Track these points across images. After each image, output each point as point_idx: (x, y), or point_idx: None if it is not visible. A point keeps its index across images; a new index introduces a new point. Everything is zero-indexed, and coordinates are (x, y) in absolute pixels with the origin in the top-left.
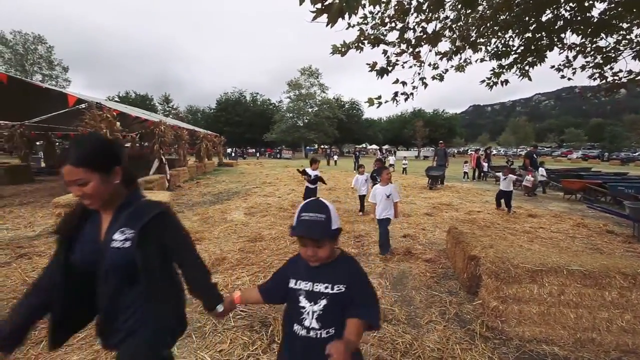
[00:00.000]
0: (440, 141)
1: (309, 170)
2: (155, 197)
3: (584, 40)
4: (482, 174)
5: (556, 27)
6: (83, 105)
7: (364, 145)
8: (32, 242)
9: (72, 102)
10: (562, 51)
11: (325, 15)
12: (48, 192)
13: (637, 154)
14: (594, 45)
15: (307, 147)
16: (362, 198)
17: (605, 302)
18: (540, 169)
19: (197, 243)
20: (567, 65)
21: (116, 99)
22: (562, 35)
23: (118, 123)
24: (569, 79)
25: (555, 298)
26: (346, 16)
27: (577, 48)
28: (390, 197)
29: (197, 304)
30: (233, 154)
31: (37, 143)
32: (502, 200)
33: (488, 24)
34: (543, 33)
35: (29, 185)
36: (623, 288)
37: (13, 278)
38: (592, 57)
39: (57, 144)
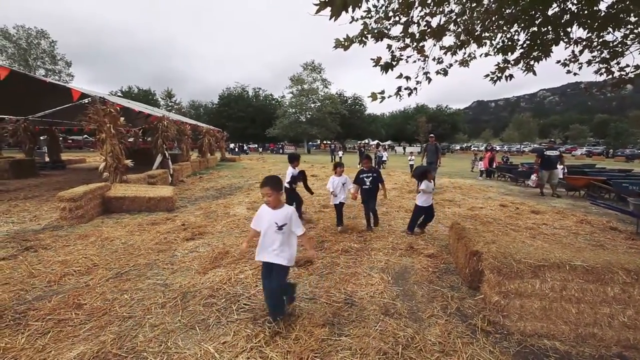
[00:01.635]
0: (431, 134)
1: (288, 170)
2: (159, 191)
3: (590, 34)
4: (492, 173)
5: (562, 21)
6: (87, 100)
7: (366, 140)
8: (37, 236)
9: (77, 97)
10: (568, 46)
11: (328, 9)
12: (52, 186)
13: None
14: (601, 40)
15: (310, 143)
16: (339, 208)
17: (608, 298)
18: (559, 167)
19: (200, 237)
20: (573, 60)
21: (119, 94)
22: (569, 29)
23: (122, 118)
24: (575, 74)
25: (557, 293)
26: (350, 9)
27: (584, 42)
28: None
29: (200, 296)
30: (236, 149)
31: (41, 138)
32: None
33: (493, 18)
34: (549, 27)
35: (34, 179)
36: (626, 284)
37: (20, 271)
38: (599, 52)
39: (60, 138)
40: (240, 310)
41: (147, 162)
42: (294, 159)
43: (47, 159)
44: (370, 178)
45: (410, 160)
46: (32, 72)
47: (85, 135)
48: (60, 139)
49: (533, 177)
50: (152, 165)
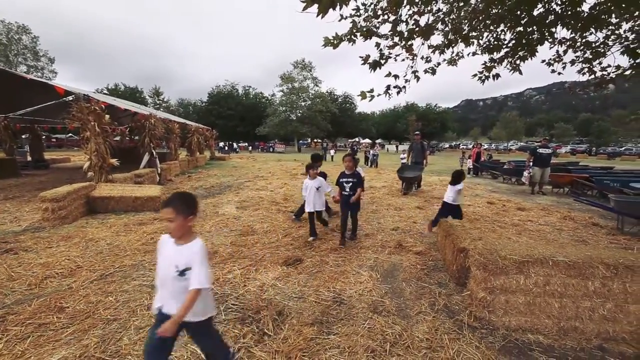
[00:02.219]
0: (417, 132)
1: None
2: (146, 191)
3: (574, 34)
4: (478, 169)
5: (547, 21)
6: (70, 98)
7: (357, 139)
8: (18, 237)
9: (62, 93)
10: (552, 46)
11: (315, 6)
12: (35, 186)
13: (623, 148)
14: (584, 40)
15: (300, 141)
16: (311, 217)
17: (589, 292)
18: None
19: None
20: (557, 59)
21: (105, 92)
22: (553, 29)
23: (107, 116)
24: (559, 73)
25: (541, 288)
26: (337, 7)
27: (568, 42)
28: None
29: None
30: (226, 148)
31: (23, 136)
32: None
33: (480, 17)
34: (534, 27)
35: (15, 179)
36: (605, 278)
37: None
38: (582, 52)
39: (43, 137)
40: (229, 310)
41: (135, 161)
42: (310, 166)
43: (29, 158)
44: (350, 184)
45: (402, 159)
46: (13, 69)
47: (70, 134)
48: (44, 137)
49: (525, 173)
50: (140, 165)
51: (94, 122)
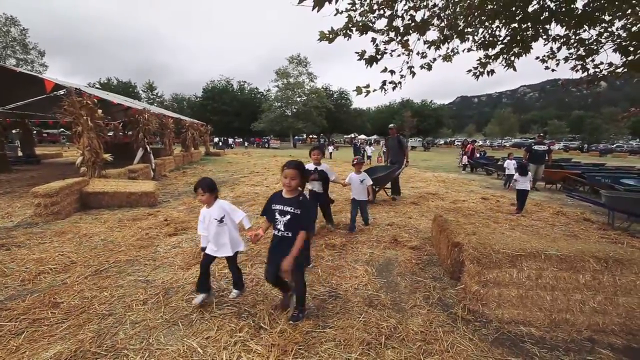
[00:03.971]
0: (391, 125)
1: (308, 166)
2: (140, 186)
3: (567, 32)
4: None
5: (542, 18)
6: (62, 92)
7: (353, 135)
8: (10, 233)
9: (50, 88)
10: (546, 42)
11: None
12: (26, 182)
13: (614, 145)
14: (577, 37)
15: (296, 137)
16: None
17: (579, 285)
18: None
19: (184, 233)
20: (551, 56)
21: (97, 86)
22: (547, 26)
23: (99, 110)
24: (553, 70)
25: (533, 281)
26: (333, 1)
27: (561, 40)
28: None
29: (183, 292)
30: (220, 144)
31: (14, 131)
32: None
33: (475, 13)
34: (529, 24)
35: (6, 175)
36: (596, 271)
37: None
38: (575, 49)
39: (34, 131)
40: (224, 305)
41: (128, 156)
42: (314, 150)
43: (20, 154)
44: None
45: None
46: (2, 62)
47: (62, 129)
48: (35, 132)
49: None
50: (133, 160)
51: (87, 117)
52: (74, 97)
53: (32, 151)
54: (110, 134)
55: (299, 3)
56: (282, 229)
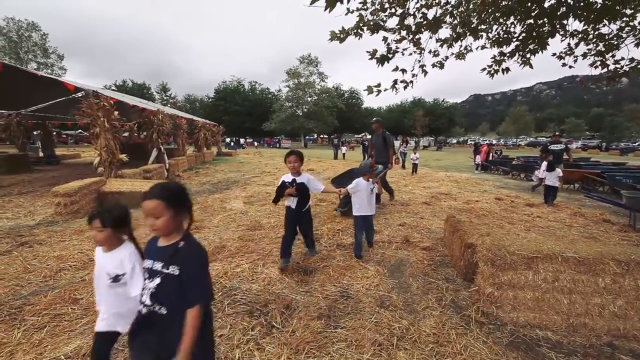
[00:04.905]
0: (375, 119)
1: (284, 177)
2: None
3: (586, 27)
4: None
5: (558, 13)
6: (80, 94)
7: (363, 134)
8: (32, 231)
9: (72, 90)
10: (564, 38)
11: (323, 0)
12: (47, 181)
13: (637, 144)
14: (597, 32)
15: (307, 137)
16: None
17: (599, 288)
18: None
19: (197, 232)
20: (568, 53)
21: (113, 88)
22: (565, 21)
23: (116, 112)
24: (571, 67)
25: (550, 284)
26: (345, 0)
27: (579, 35)
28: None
29: None
30: (232, 144)
31: (35, 132)
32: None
33: (489, 10)
34: (545, 19)
35: (28, 174)
36: (616, 274)
37: (15, 266)
38: (594, 45)
39: (54, 133)
40: (237, 304)
41: (143, 156)
42: (290, 156)
43: (40, 154)
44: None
45: (413, 159)
46: (24, 66)
47: (80, 130)
48: (54, 133)
49: (537, 172)
50: (148, 160)
51: (104, 118)
52: (91, 99)
53: (52, 152)
54: (126, 134)
55: (311, 4)
56: (149, 302)
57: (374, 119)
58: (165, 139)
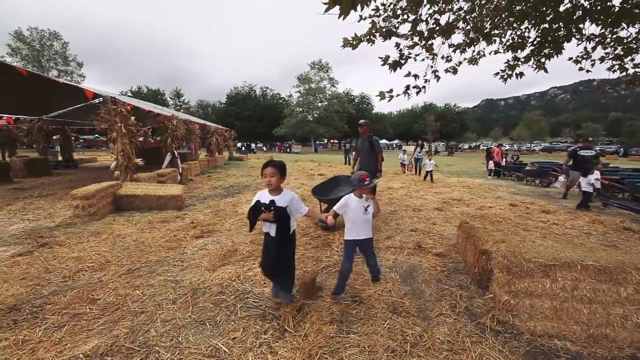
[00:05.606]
0: (362, 122)
1: (259, 196)
2: (168, 190)
3: (603, 30)
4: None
5: (574, 17)
6: (97, 100)
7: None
8: (52, 233)
9: (90, 97)
10: (580, 42)
11: (337, 7)
12: (65, 184)
13: None
14: (615, 36)
15: (317, 142)
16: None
17: (621, 298)
18: (595, 172)
19: (209, 235)
20: (585, 57)
21: (129, 94)
22: (581, 25)
23: (132, 117)
24: (587, 71)
25: (569, 293)
26: (358, 8)
27: (597, 39)
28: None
29: (210, 293)
30: (243, 148)
31: (54, 137)
32: None
33: (503, 15)
34: (560, 23)
35: (47, 178)
36: (639, 284)
37: (36, 266)
38: (612, 48)
39: (72, 137)
40: (249, 307)
41: (157, 161)
42: (267, 168)
43: (60, 158)
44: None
45: (428, 165)
46: (45, 73)
47: (96, 135)
48: (73, 138)
49: (561, 178)
50: (162, 164)
51: (121, 124)
52: (109, 105)
53: (71, 156)
54: (140, 139)
55: (325, 12)
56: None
57: (361, 121)
58: (179, 143)
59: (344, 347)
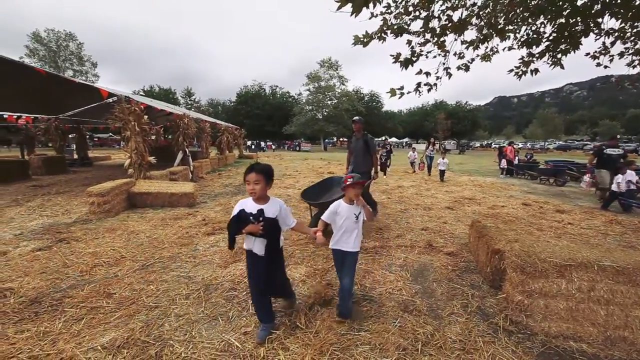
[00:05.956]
0: (356, 118)
1: (242, 205)
2: (180, 187)
3: (623, 24)
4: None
5: (593, 11)
6: (111, 100)
7: (384, 137)
8: (69, 228)
9: (106, 95)
10: (598, 37)
11: (349, 5)
12: (82, 182)
13: None
14: (635, 30)
15: (326, 140)
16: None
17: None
18: (628, 172)
19: (220, 232)
20: (603, 52)
21: (141, 93)
22: (599, 20)
23: (145, 116)
24: (606, 67)
25: (585, 294)
26: (370, 5)
27: (616, 33)
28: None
29: (222, 289)
30: (252, 147)
31: (70, 136)
32: None
33: (518, 10)
34: (578, 18)
35: (64, 175)
36: None
37: (55, 261)
38: (632, 43)
39: (87, 136)
40: None
41: (169, 159)
42: (251, 172)
43: (75, 156)
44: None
45: (440, 163)
46: (61, 73)
47: (110, 134)
48: (87, 137)
49: (586, 178)
50: (174, 162)
51: (134, 122)
52: (123, 104)
53: (86, 154)
54: (153, 137)
55: (337, 9)
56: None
57: (355, 117)
58: (190, 142)
59: (355, 344)
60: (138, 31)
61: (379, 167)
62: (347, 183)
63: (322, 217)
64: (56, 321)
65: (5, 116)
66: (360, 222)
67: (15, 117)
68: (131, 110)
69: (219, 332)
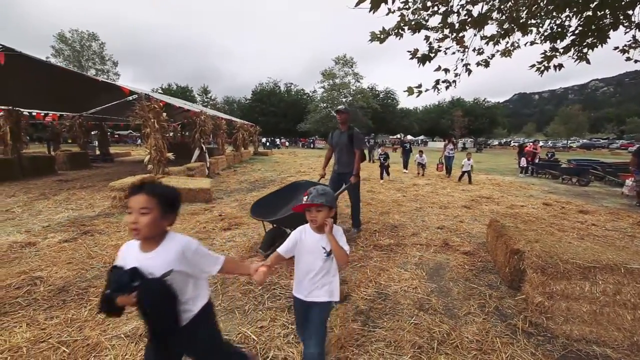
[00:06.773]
0: (340, 107)
1: (128, 251)
2: (197, 183)
3: None
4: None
5: (623, 2)
6: (132, 97)
7: (398, 135)
8: (93, 221)
9: (127, 93)
10: (628, 30)
11: (368, 1)
12: (104, 177)
13: None
14: None
15: None
16: None
17: None
18: None
19: (237, 227)
20: (634, 45)
21: (159, 91)
22: (630, 11)
23: (164, 114)
24: (636, 61)
25: (610, 297)
26: (389, 1)
27: None
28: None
29: (238, 283)
30: (267, 144)
31: (92, 132)
32: None
33: (541, 3)
34: (607, 10)
35: (87, 170)
36: None
37: (80, 252)
38: None
39: (108, 133)
40: (276, 298)
41: (186, 155)
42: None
43: (97, 152)
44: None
45: (465, 164)
46: (85, 72)
47: (130, 131)
48: (109, 133)
49: (629, 182)
50: (191, 159)
51: (154, 119)
52: (143, 102)
53: (107, 150)
54: (170, 134)
55: (356, 5)
56: None
57: (339, 107)
58: (207, 138)
59: (370, 341)
60: (157, 30)
61: (382, 172)
62: (305, 198)
63: (279, 250)
64: (82, 309)
65: (34, 114)
66: (332, 261)
67: (42, 114)
68: (151, 108)
69: (236, 325)
